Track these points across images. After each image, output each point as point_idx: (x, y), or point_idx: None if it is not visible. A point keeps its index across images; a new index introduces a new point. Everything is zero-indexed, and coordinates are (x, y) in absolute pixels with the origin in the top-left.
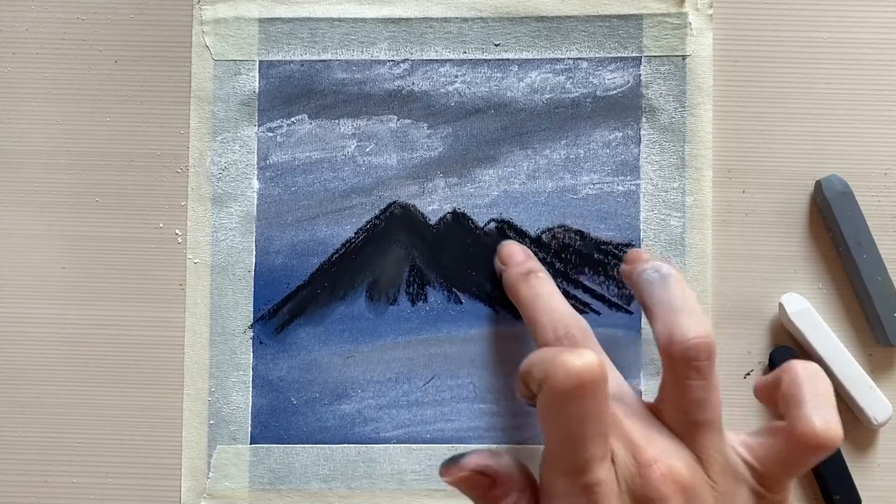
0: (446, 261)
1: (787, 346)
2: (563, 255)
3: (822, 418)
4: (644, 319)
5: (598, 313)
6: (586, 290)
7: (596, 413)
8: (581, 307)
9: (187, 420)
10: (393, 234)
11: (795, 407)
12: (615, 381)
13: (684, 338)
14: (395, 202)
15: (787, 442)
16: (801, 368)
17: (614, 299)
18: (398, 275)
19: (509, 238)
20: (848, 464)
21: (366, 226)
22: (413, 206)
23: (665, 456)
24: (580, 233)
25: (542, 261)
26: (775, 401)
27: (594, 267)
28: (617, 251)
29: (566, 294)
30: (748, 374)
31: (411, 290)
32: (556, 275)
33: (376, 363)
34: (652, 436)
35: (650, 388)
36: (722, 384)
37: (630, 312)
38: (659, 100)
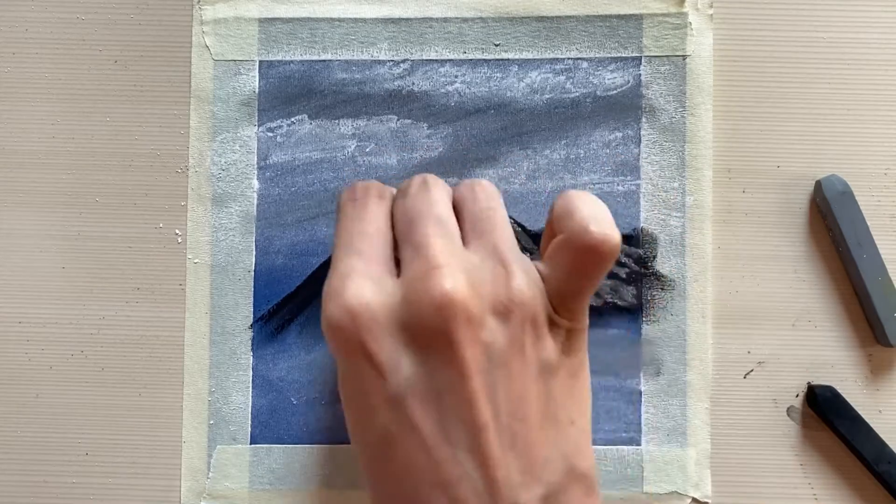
0: None
1: (828, 385)
2: None
3: (596, 222)
4: (644, 319)
5: (598, 313)
6: None
7: (367, 214)
8: None
9: (187, 420)
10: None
11: (568, 217)
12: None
13: (470, 179)
14: None
15: (567, 250)
16: (570, 191)
17: (615, 299)
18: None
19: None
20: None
21: None
22: None
23: (453, 266)
24: None
25: None
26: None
27: None
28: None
29: None
30: (748, 373)
31: None
32: None
33: None
34: (455, 243)
35: (650, 388)
36: (722, 384)
37: (631, 312)
38: (659, 100)
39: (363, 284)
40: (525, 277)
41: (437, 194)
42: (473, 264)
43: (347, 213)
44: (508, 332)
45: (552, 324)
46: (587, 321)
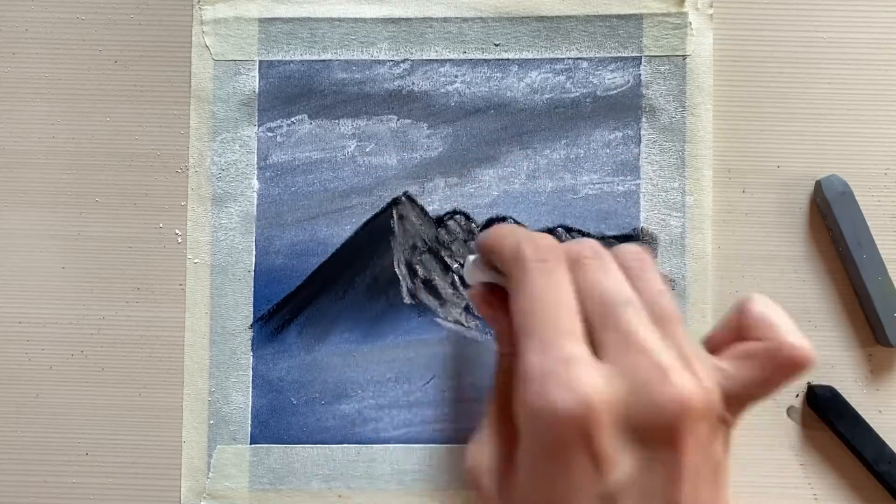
0: (447, 260)
1: (828, 385)
2: None
3: (798, 336)
4: None
5: None
6: None
7: (562, 285)
8: None
9: (187, 420)
10: (394, 234)
11: (770, 329)
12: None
13: (627, 247)
14: (404, 193)
15: (764, 360)
16: (761, 297)
17: None
18: (398, 274)
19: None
20: (872, 424)
21: (366, 225)
22: (417, 201)
23: (679, 368)
24: (580, 233)
25: None
26: (734, 339)
27: None
28: None
29: None
30: None
31: (412, 290)
32: None
33: (376, 363)
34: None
35: None
36: None
37: None
38: (659, 100)
39: (594, 374)
40: (710, 378)
41: (615, 270)
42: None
43: (539, 278)
44: (708, 436)
45: (722, 422)
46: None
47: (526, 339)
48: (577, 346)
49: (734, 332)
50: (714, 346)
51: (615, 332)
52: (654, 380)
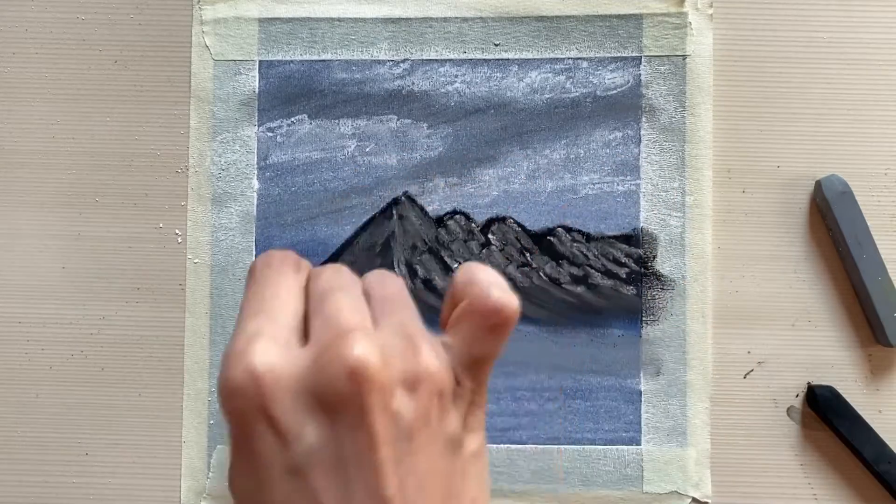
0: (447, 260)
1: (828, 385)
2: (564, 255)
3: (496, 288)
4: (644, 319)
5: (598, 313)
6: (589, 287)
7: (272, 281)
8: (582, 305)
9: (187, 420)
10: (394, 234)
11: (470, 287)
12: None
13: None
14: (404, 193)
15: (468, 318)
16: (468, 263)
17: (615, 299)
18: (398, 274)
19: (507, 239)
20: (872, 424)
21: (366, 225)
22: (417, 201)
23: (363, 335)
24: (581, 232)
25: (544, 261)
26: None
27: (596, 265)
28: (619, 251)
29: (569, 294)
30: (748, 373)
31: (412, 290)
32: (558, 274)
33: None
34: (362, 307)
35: (650, 388)
36: (722, 384)
37: (631, 312)
38: (659, 100)
39: (268, 347)
40: (432, 351)
41: (348, 277)
42: (384, 340)
43: (260, 277)
44: (417, 404)
45: (456, 398)
46: (486, 399)
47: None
48: (265, 324)
49: (453, 303)
50: (444, 320)
51: (321, 317)
52: (332, 345)
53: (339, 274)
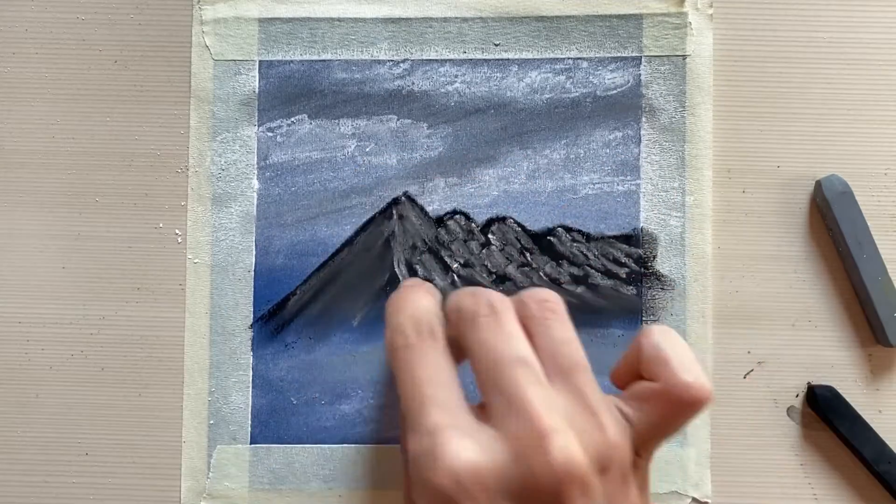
0: (447, 260)
1: (828, 385)
2: (564, 255)
3: (692, 374)
4: (644, 319)
5: (598, 313)
6: (589, 287)
7: (427, 360)
8: (582, 305)
9: (187, 420)
10: (394, 234)
11: (665, 367)
12: (523, 345)
13: (533, 293)
14: (404, 193)
15: (660, 401)
16: (659, 330)
17: (615, 299)
18: (398, 274)
19: (507, 239)
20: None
21: (366, 225)
22: (417, 201)
23: (563, 430)
24: (581, 232)
25: (544, 262)
26: (635, 376)
27: (596, 265)
28: (619, 251)
29: (569, 294)
30: (748, 373)
31: None
32: (558, 274)
33: (376, 363)
34: (551, 399)
35: None
36: (722, 384)
37: (631, 312)
38: (659, 100)
39: (464, 444)
40: (617, 427)
41: (510, 326)
42: (568, 414)
43: (405, 361)
44: (606, 487)
45: (634, 466)
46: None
47: (404, 424)
48: (443, 417)
49: (634, 366)
50: (619, 380)
51: (501, 393)
52: (534, 446)
53: (497, 323)
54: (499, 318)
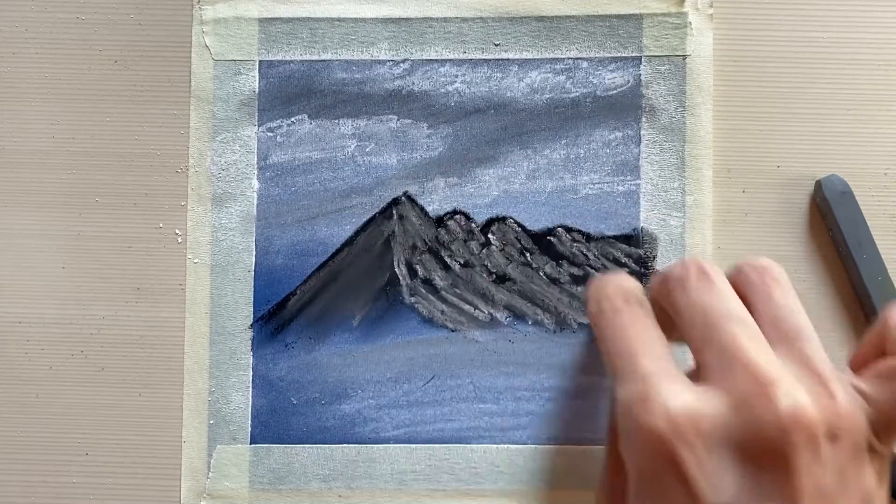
0: (447, 260)
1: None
2: (564, 255)
3: None
4: None
5: None
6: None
7: (635, 322)
8: (583, 305)
9: (187, 420)
10: (394, 234)
11: None
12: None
13: (751, 260)
14: (404, 193)
15: None
16: None
17: None
18: (398, 274)
19: (507, 239)
20: None
21: (366, 225)
22: (417, 200)
23: (789, 380)
24: (581, 232)
25: (544, 262)
26: (874, 358)
27: (596, 265)
28: (619, 251)
29: (569, 294)
30: None
31: (412, 290)
32: (558, 274)
33: (376, 363)
34: (769, 353)
35: None
36: None
37: None
38: (659, 100)
39: (679, 389)
40: (849, 398)
41: (723, 287)
42: (797, 377)
43: (614, 323)
44: (837, 457)
45: (872, 450)
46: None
47: (613, 381)
48: (656, 364)
49: (878, 347)
50: (858, 364)
51: (716, 351)
52: (758, 394)
53: (709, 284)
54: (710, 279)
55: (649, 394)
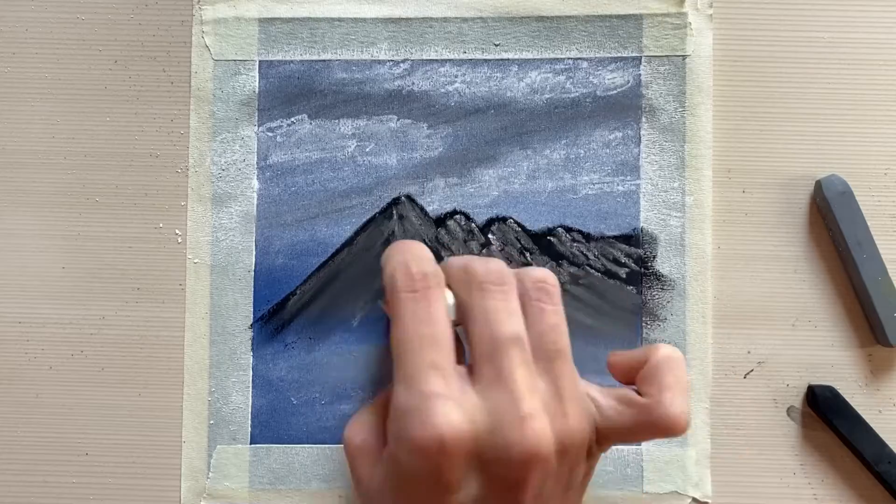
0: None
1: (828, 385)
2: (564, 255)
3: (681, 407)
4: (644, 319)
5: (599, 312)
6: (589, 287)
7: (432, 315)
8: (583, 305)
9: (187, 420)
10: (394, 234)
11: (658, 390)
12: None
13: (532, 272)
14: (403, 194)
15: (640, 416)
16: (671, 351)
17: (615, 300)
18: None
19: (507, 239)
20: (868, 421)
21: (366, 225)
22: (417, 201)
23: (540, 416)
24: (581, 232)
25: (544, 262)
26: (631, 376)
27: (596, 265)
28: (619, 251)
29: (569, 294)
30: (748, 373)
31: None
32: (558, 274)
33: (376, 363)
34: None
35: None
36: (722, 384)
37: (631, 312)
38: (659, 100)
39: (451, 409)
40: (580, 416)
41: (514, 303)
42: (544, 399)
43: (408, 310)
44: (561, 468)
45: (589, 453)
46: None
47: (396, 371)
48: (438, 382)
49: (634, 368)
50: (615, 370)
51: (492, 367)
52: (513, 424)
53: (504, 296)
54: (505, 290)
55: (428, 411)
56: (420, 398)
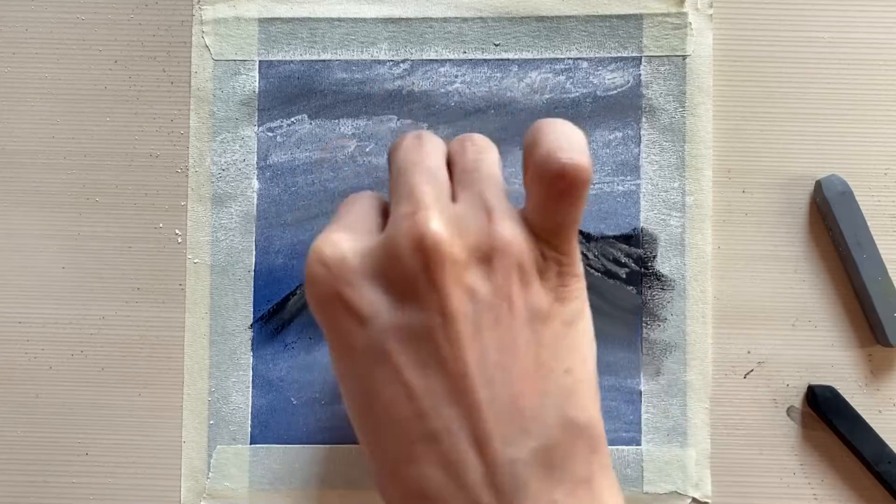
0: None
1: (828, 385)
2: None
3: (560, 146)
4: (644, 320)
5: (599, 313)
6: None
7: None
8: None
9: (187, 420)
10: None
11: (534, 149)
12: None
13: (467, 134)
14: None
15: (536, 185)
16: (540, 121)
17: (615, 300)
18: None
19: None
20: (874, 425)
21: None
22: None
23: (434, 212)
24: (581, 232)
25: None
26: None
27: (596, 265)
28: (619, 251)
29: None
30: (748, 373)
31: None
32: None
33: None
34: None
35: (650, 388)
36: (722, 384)
37: (631, 312)
38: (659, 100)
39: (340, 237)
40: (508, 222)
41: (429, 147)
42: (458, 214)
43: (409, 143)
44: (494, 278)
45: (542, 271)
46: (581, 267)
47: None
48: (337, 225)
49: (526, 170)
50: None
51: (398, 195)
52: (403, 225)
53: (418, 145)
54: (421, 142)
55: (316, 245)
56: (317, 241)
